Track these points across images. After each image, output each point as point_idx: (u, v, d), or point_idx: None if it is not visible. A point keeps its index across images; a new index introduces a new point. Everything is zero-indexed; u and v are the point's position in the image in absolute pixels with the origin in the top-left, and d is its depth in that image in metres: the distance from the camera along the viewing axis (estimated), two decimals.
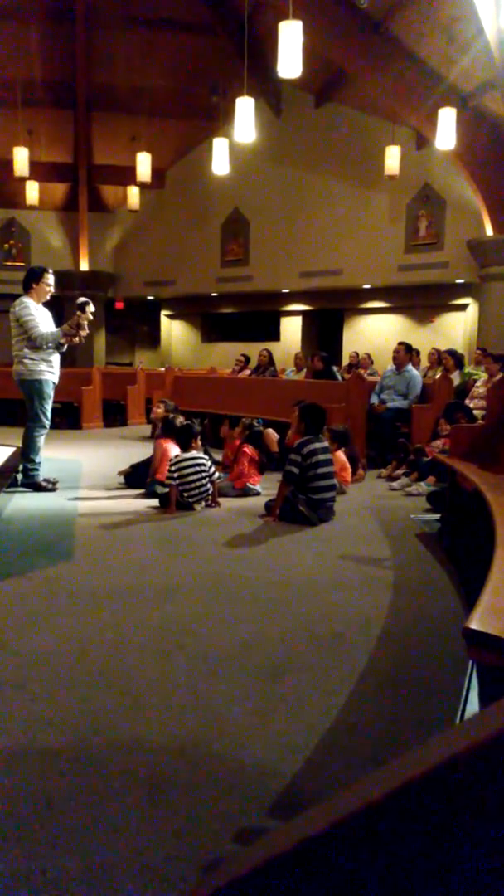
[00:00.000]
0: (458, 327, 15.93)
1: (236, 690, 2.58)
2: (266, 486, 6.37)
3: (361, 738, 2.30)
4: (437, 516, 5.32)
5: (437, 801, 0.63)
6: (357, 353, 14.89)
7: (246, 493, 6.25)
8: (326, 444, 5.58)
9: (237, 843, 1.78)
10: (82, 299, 6.30)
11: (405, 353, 8.36)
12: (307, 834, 0.61)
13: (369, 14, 11.45)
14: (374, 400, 8.21)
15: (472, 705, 2.44)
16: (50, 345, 6.17)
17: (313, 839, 0.61)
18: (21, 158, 14.51)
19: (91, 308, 6.27)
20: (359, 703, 2.51)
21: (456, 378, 8.70)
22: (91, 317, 6.27)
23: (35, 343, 6.12)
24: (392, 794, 0.62)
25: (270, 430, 7.30)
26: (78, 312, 6.18)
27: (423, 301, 16.09)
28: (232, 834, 1.81)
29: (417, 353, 10.88)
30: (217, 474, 5.86)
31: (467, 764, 0.63)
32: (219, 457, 7.13)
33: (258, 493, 6.26)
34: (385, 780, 0.63)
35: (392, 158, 12.94)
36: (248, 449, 6.46)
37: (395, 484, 6.68)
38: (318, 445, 5.34)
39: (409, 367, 8.38)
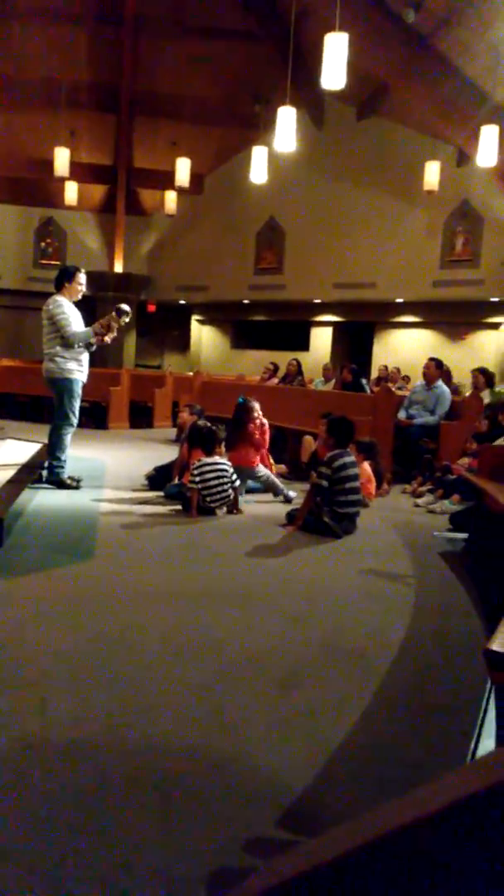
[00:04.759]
0: (490, 345, 15.80)
1: (250, 699, 2.56)
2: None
3: (374, 756, 2.27)
4: (462, 535, 5.27)
5: (449, 840, 0.61)
6: (387, 367, 14.84)
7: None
8: (354, 458, 5.56)
9: (247, 853, 1.76)
10: (124, 306, 6.33)
11: (436, 368, 8.29)
12: (320, 860, 0.60)
13: (416, 29, 11.43)
14: (402, 415, 8.15)
15: (490, 727, 2.40)
16: (81, 344, 6.21)
17: (325, 865, 0.60)
18: (62, 159, 14.72)
19: (127, 318, 6.30)
20: (374, 719, 2.48)
21: (486, 396, 8.61)
22: (124, 323, 6.30)
23: (67, 341, 6.16)
24: (403, 828, 0.60)
25: (308, 437, 7.26)
26: (113, 313, 6.21)
27: (456, 317, 15.99)
28: (242, 844, 1.79)
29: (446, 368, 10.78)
30: (238, 481, 5.84)
31: (483, 804, 0.61)
32: None
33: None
34: (396, 814, 0.62)
35: (431, 174, 12.90)
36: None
37: (419, 500, 6.62)
38: (347, 459, 5.32)
39: (439, 383, 8.31)
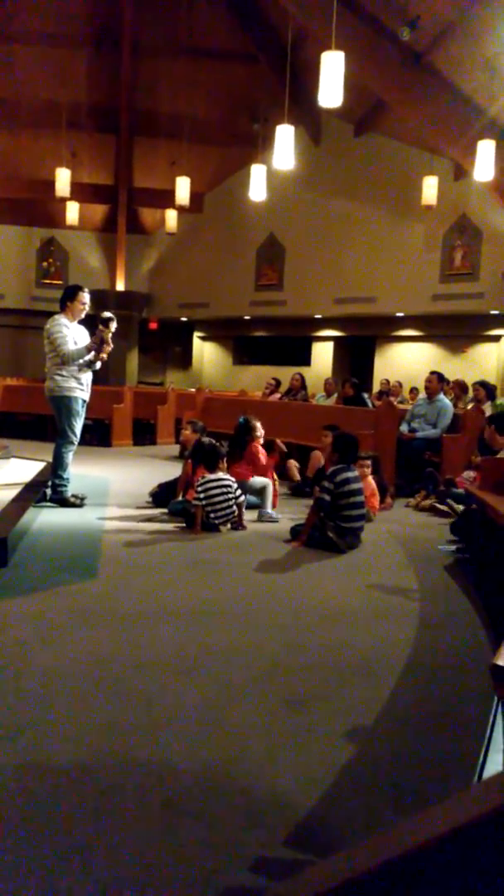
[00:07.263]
0: (491, 358, 15.84)
1: (256, 717, 2.55)
2: (286, 511, 6.35)
3: (381, 773, 2.25)
4: (453, 547, 5.27)
5: (456, 864, 0.61)
6: (388, 381, 14.87)
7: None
8: (357, 473, 5.54)
9: (255, 873, 1.75)
10: (106, 314, 6.30)
11: (438, 382, 8.31)
12: (327, 886, 0.60)
13: (411, 46, 11.55)
14: (405, 428, 8.15)
15: (497, 743, 2.38)
16: (79, 362, 6.21)
17: (331, 892, 0.59)
18: (63, 179, 14.86)
19: (114, 324, 6.27)
20: (380, 736, 2.47)
21: (488, 409, 8.62)
22: (113, 329, 6.23)
23: (63, 360, 6.18)
24: (409, 852, 0.60)
25: (317, 453, 7.26)
26: (100, 327, 6.21)
27: (456, 331, 16.03)
28: (246, 863, 1.77)
29: (448, 382, 10.80)
30: (243, 497, 5.84)
31: (491, 827, 0.61)
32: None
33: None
34: (402, 837, 0.62)
35: (429, 188, 12.99)
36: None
37: (423, 514, 6.61)
38: (350, 474, 5.31)
39: (441, 396, 8.33)
